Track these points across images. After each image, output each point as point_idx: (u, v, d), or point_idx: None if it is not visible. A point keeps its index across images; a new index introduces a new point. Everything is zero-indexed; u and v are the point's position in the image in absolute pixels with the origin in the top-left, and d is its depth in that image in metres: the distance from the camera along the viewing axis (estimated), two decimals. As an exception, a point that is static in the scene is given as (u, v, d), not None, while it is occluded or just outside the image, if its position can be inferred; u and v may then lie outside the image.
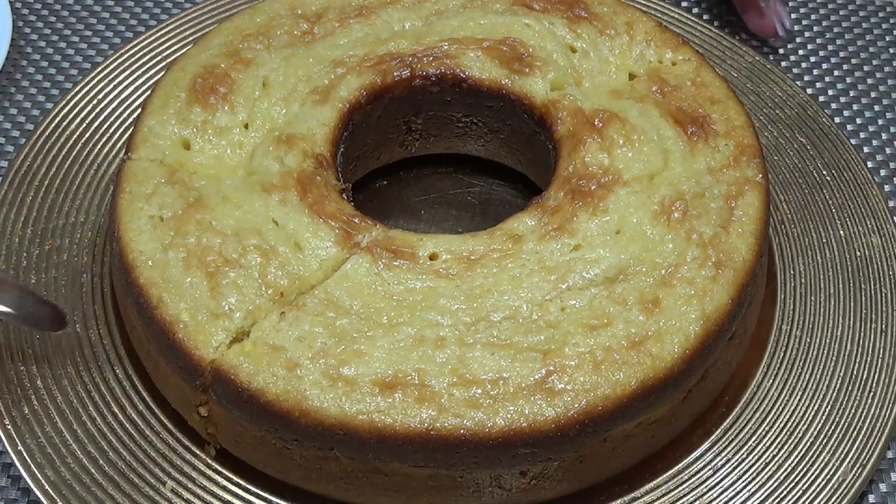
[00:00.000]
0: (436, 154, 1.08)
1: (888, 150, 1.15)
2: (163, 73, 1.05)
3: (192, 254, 0.85)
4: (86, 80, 1.10)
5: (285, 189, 0.88)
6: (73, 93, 1.09)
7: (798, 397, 0.91)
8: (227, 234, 0.86)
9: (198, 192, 0.89)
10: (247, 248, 0.85)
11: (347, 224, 0.87)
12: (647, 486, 0.87)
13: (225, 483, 0.86)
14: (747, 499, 0.86)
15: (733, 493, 0.86)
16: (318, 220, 0.87)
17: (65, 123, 1.07)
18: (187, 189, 0.89)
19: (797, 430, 0.89)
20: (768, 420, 0.90)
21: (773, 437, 0.89)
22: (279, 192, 0.88)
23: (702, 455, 0.89)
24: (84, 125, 1.07)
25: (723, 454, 0.89)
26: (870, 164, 1.13)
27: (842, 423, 0.90)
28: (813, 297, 0.98)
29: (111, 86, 1.10)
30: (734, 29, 1.26)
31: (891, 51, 1.24)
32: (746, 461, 0.88)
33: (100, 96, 1.09)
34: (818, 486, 0.86)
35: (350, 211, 0.88)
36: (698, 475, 0.88)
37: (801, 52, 1.24)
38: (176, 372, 0.84)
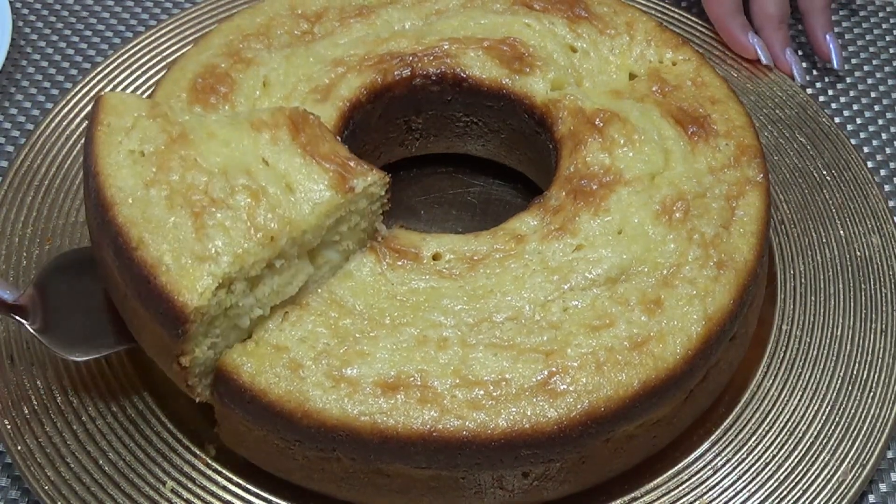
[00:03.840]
0: (436, 154, 1.08)
1: (888, 150, 1.15)
2: (163, 73, 1.05)
3: (176, 192, 0.80)
4: (86, 80, 1.10)
5: (276, 127, 0.84)
6: (73, 93, 1.09)
7: (798, 397, 0.91)
8: (213, 172, 0.81)
9: (181, 126, 0.84)
10: (235, 187, 0.80)
11: (343, 167, 0.83)
12: (648, 486, 0.87)
13: (225, 483, 0.86)
14: (747, 499, 0.86)
15: (733, 493, 0.86)
16: (311, 162, 0.83)
17: (65, 123, 1.07)
18: (170, 123, 0.84)
19: (797, 430, 0.89)
20: (768, 420, 0.90)
21: (773, 437, 0.89)
22: (269, 131, 0.84)
23: (702, 455, 0.89)
24: (84, 125, 1.06)
25: (723, 454, 0.89)
26: (870, 164, 1.13)
27: (842, 423, 0.90)
28: (813, 297, 0.98)
29: (111, 86, 1.10)
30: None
31: (891, 51, 1.24)
32: (746, 461, 0.88)
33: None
34: (818, 486, 0.86)
35: (345, 153, 0.84)
36: (698, 475, 0.88)
37: (800, 52, 1.24)
38: (155, 319, 0.79)
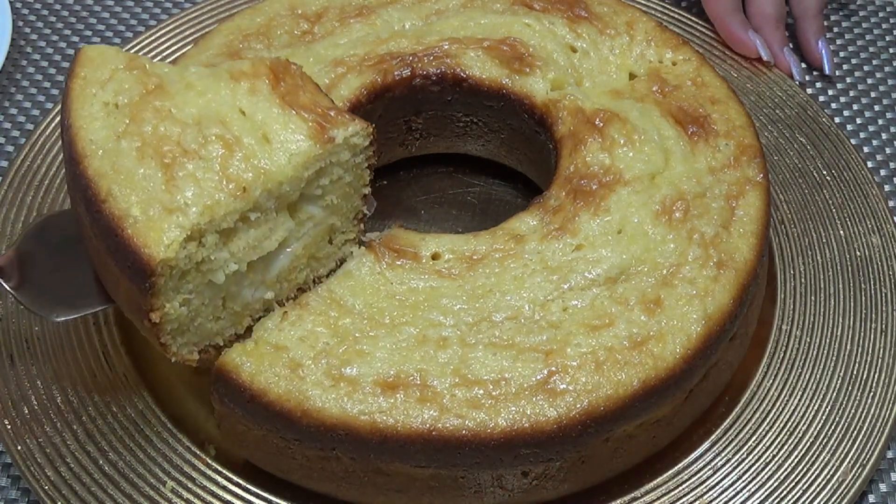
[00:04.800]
0: (436, 154, 1.08)
1: (888, 150, 1.15)
2: (163, 72, 1.04)
3: (148, 143, 0.77)
4: (85, 80, 1.10)
5: (255, 77, 0.82)
6: (72, 92, 1.09)
7: (798, 397, 0.91)
8: (187, 123, 0.79)
9: (159, 78, 0.82)
10: (208, 137, 0.78)
11: (322, 117, 0.81)
12: (648, 486, 0.87)
13: (225, 483, 0.86)
14: (747, 499, 0.86)
15: (733, 493, 0.86)
16: (289, 112, 0.80)
17: (65, 123, 1.07)
18: (147, 75, 0.82)
19: (797, 430, 0.89)
20: (768, 420, 0.90)
21: (773, 437, 0.89)
22: (249, 80, 0.82)
23: (702, 455, 0.89)
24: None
25: (723, 454, 0.89)
26: (870, 164, 1.13)
27: (842, 423, 0.90)
28: (813, 297, 0.98)
29: (111, 85, 1.10)
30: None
31: (890, 51, 1.24)
32: (746, 461, 0.88)
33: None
34: (818, 486, 0.86)
35: (326, 104, 0.82)
36: (698, 475, 0.88)
37: (801, 51, 1.24)
38: (125, 273, 0.77)
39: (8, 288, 0.84)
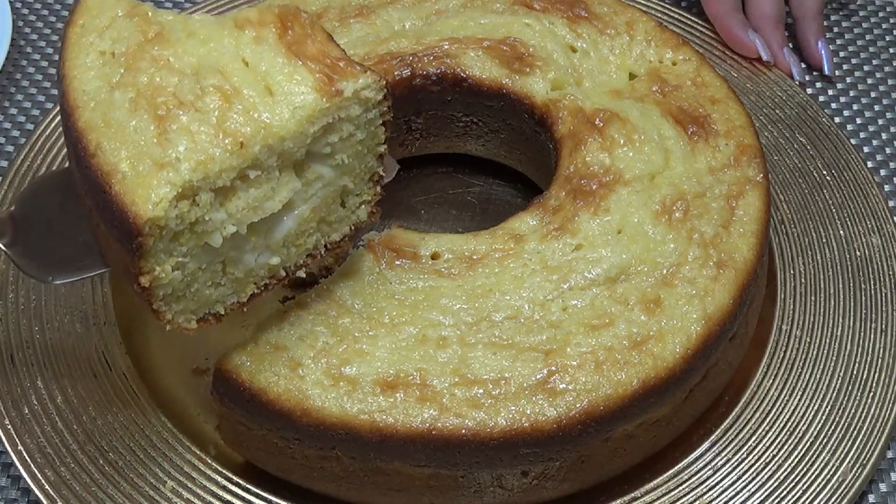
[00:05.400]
0: (436, 154, 1.08)
1: (888, 150, 1.15)
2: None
3: (142, 94, 0.72)
4: (85, 80, 1.10)
5: (262, 25, 0.76)
6: (72, 92, 1.09)
7: (798, 397, 0.91)
8: (185, 73, 0.73)
9: (160, 26, 0.76)
10: (205, 88, 0.72)
11: (331, 68, 0.74)
12: (648, 486, 0.87)
13: (225, 483, 0.86)
14: (747, 499, 0.86)
15: (733, 493, 0.86)
16: (295, 62, 0.74)
17: (65, 123, 1.06)
18: (147, 23, 0.76)
19: (797, 430, 0.89)
20: (768, 420, 0.90)
21: (773, 437, 0.89)
22: (254, 29, 0.76)
23: (702, 455, 0.89)
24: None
25: (723, 454, 0.89)
26: (870, 164, 1.13)
27: (842, 423, 0.90)
28: (813, 297, 0.98)
29: (111, 85, 1.10)
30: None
31: (891, 51, 1.24)
32: (746, 461, 0.88)
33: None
34: (818, 486, 0.86)
35: (336, 54, 0.76)
36: (698, 475, 0.88)
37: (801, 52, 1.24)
38: (112, 233, 0.72)
39: (5, 249, 0.81)
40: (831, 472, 0.87)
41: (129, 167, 0.69)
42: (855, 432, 0.89)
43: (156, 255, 0.71)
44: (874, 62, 1.23)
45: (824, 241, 1.01)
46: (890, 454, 0.93)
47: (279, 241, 0.79)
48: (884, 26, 1.27)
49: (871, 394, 0.91)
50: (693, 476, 0.88)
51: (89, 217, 0.77)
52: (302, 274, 0.82)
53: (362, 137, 0.78)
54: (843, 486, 0.86)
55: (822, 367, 0.93)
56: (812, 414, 0.90)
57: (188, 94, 0.72)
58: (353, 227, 0.83)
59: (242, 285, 0.79)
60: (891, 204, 1.09)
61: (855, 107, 1.19)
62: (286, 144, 0.73)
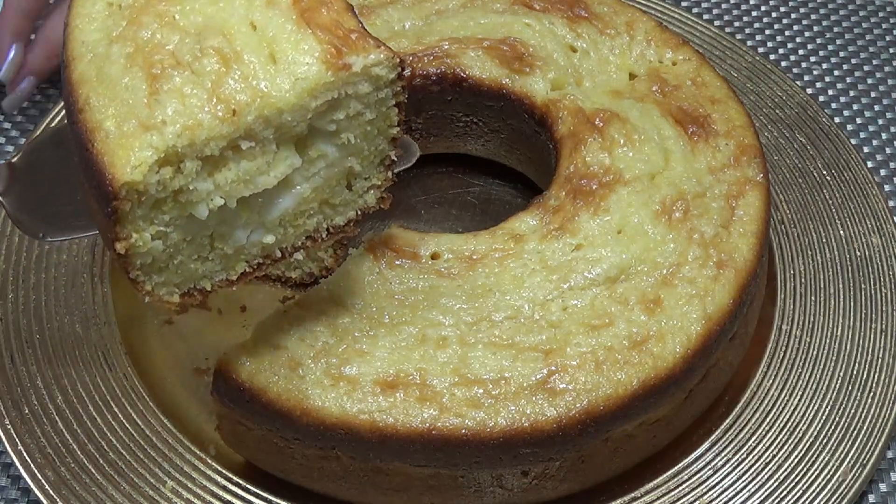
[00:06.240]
0: (436, 154, 1.08)
1: (888, 150, 1.15)
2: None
3: (140, 50, 0.68)
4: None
5: None
6: (72, 92, 1.08)
7: (798, 397, 0.91)
8: (188, 31, 0.69)
9: None
10: (206, 50, 0.67)
11: (341, 40, 0.69)
12: (648, 486, 0.87)
13: (225, 483, 0.86)
14: (747, 499, 0.86)
15: (733, 493, 0.86)
16: (304, 29, 0.69)
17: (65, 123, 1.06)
18: None
19: (797, 430, 0.89)
20: (768, 420, 0.90)
21: (773, 437, 0.89)
22: None
23: (702, 455, 0.89)
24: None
25: (723, 454, 0.89)
26: (870, 164, 1.13)
27: (842, 423, 0.90)
28: (813, 297, 0.98)
29: (111, 85, 1.09)
30: (734, 29, 1.26)
31: (891, 51, 1.24)
32: (746, 461, 0.88)
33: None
34: (818, 486, 0.86)
35: (352, 25, 0.70)
36: (698, 475, 0.88)
37: (801, 52, 1.24)
38: (92, 194, 0.68)
39: None
40: (831, 472, 0.87)
41: (114, 126, 0.65)
42: (855, 432, 0.89)
43: (133, 221, 0.67)
44: (874, 62, 1.23)
45: (824, 241, 1.01)
46: (890, 454, 0.93)
47: (275, 220, 0.74)
48: (884, 26, 1.27)
49: (871, 394, 0.91)
50: (693, 476, 0.88)
51: (77, 174, 0.72)
52: (300, 256, 0.77)
53: (372, 117, 0.73)
54: (843, 486, 0.86)
55: (822, 367, 0.93)
56: (812, 414, 0.90)
57: (186, 54, 0.68)
58: (359, 213, 0.78)
59: (232, 262, 0.75)
60: (891, 204, 1.09)
61: (855, 107, 1.19)
62: (284, 117, 0.68)
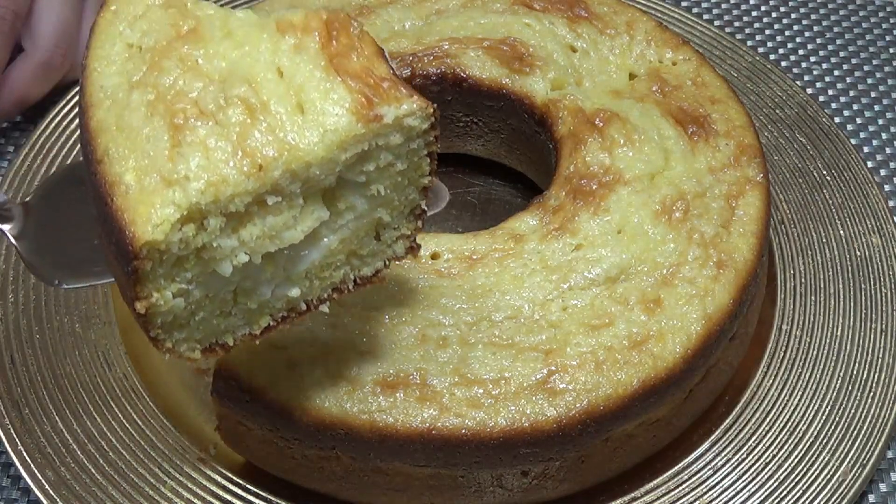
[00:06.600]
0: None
1: (888, 150, 1.15)
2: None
3: (161, 98, 0.65)
4: (85, 80, 1.10)
5: (305, 32, 0.67)
6: (73, 93, 1.09)
7: (798, 397, 0.91)
8: (212, 78, 0.66)
9: (196, 21, 0.68)
10: (231, 99, 0.64)
11: (373, 89, 0.65)
12: (648, 486, 0.87)
13: (225, 483, 0.86)
14: (747, 499, 0.86)
15: (733, 493, 0.86)
16: (334, 78, 0.65)
17: (65, 123, 1.06)
18: (184, 16, 0.68)
19: (797, 430, 0.89)
20: (768, 420, 0.90)
21: (773, 437, 0.89)
22: (296, 35, 0.67)
23: (702, 455, 0.89)
24: (84, 125, 1.06)
25: (723, 454, 0.89)
26: (870, 164, 1.13)
27: (842, 423, 0.90)
28: (813, 297, 0.98)
29: (111, 85, 1.09)
30: (734, 29, 1.26)
31: (891, 51, 1.24)
32: (746, 461, 0.88)
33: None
34: (818, 486, 0.86)
35: (383, 73, 0.66)
36: (698, 475, 0.88)
37: (801, 52, 1.24)
38: (111, 251, 0.65)
39: (10, 237, 0.75)
40: (831, 472, 0.87)
41: (134, 179, 0.62)
42: (855, 432, 0.89)
43: (155, 280, 0.64)
44: (874, 62, 1.23)
45: (824, 241, 1.01)
46: (890, 454, 0.93)
47: (301, 273, 0.71)
48: (884, 26, 1.27)
49: (871, 394, 0.91)
50: (693, 476, 0.88)
51: (95, 224, 0.69)
52: (325, 309, 0.73)
53: (403, 168, 0.70)
54: (843, 486, 0.86)
55: (822, 367, 0.93)
56: (812, 414, 0.90)
57: (210, 103, 0.64)
58: (387, 262, 0.75)
59: (256, 316, 0.71)
60: (891, 204, 1.09)
61: (855, 107, 1.19)
62: (312, 171, 0.65)
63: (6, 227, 0.75)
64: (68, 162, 1.04)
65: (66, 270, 0.76)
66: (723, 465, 0.88)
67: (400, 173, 0.70)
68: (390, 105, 0.65)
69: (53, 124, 1.06)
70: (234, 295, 0.69)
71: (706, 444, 0.89)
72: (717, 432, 0.90)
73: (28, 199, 0.79)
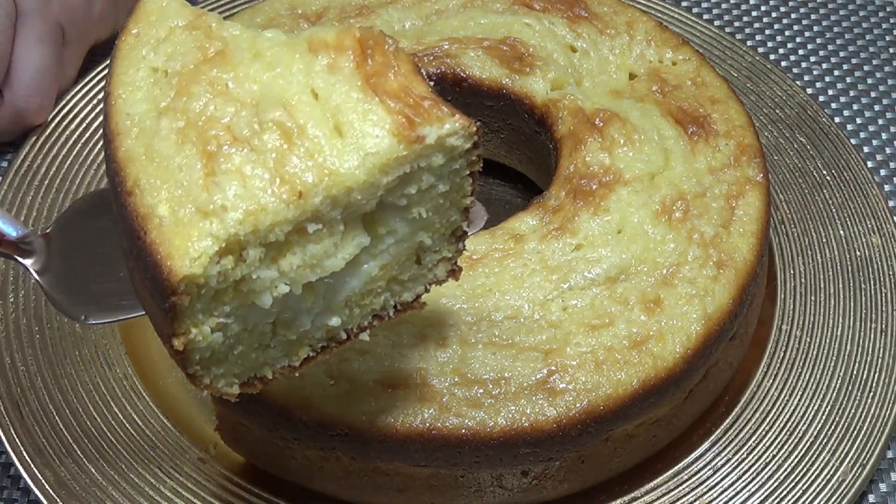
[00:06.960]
0: (436, 154, 1.08)
1: (888, 150, 1.15)
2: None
3: (192, 124, 0.62)
4: (86, 80, 1.10)
5: (339, 50, 0.64)
6: (72, 93, 1.09)
7: (798, 397, 0.91)
8: (245, 102, 0.63)
9: (223, 43, 0.66)
10: (265, 123, 0.62)
11: (413, 108, 0.62)
12: (648, 486, 0.87)
13: (225, 483, 0.86)
14: (747, 499, 0.86)
15: (733, 493, 0.86)
16: (371, 98, 0.63)
17: (65, 123, 1.07)
18: (210, 38, 0.66)
19: (797, 430, 0.89)
20: (768, 420, 0.90)
21: (773, 437, 0.89)
22: (329, 54, 0.64)
23: (702, 455, 0.89)
24: (84, 125, 1.07)
25: (723, 454, 0.89)
26: (870, 164, 1.13)
27: (842, 423, 0.90)
28: (813, 297, 0.98)
29: (111, 85, 1.09)
30: (734, 29, 1.26)
31: (891, 51, 1.24)
32: (746, 461, 0.88)
33: (100, 96, 1.09)
34: (818, 486, 0.86)
35: (422, 91, 0.63)
36: (698, 475, 0.88)
37: (801, 52, 1.24)
38: (145, 286, 0.63)
39: (34, 273, 0.73)
40: (831, 472, 0.87)
41: (168, 211, 0.60)
42: (855, 432, 0.89)
43: (193, 315, 0.61)
44: (874, 62, 1.23)
45: (824, 241, 1.01)
46: (890, 454, 0.93)
47: (341, 302, 0.68)
48: (884, 26, 1.27)
49: (871, 394, 0.91)
50: (693, 476, 0.88)
51: (125, 258, 0.67)
52: (366, 337, 0.71)
53: (445, 190, 0.67)
54: (843, 486, 0.86)
55: (822, 367, 0.93)
56: (812, 414, 0.90)
57: (245, 128, 0.62)
58: (428, 287, 0.72)
59: (295, 348, 0.69)
60: (891, 204, 1.09)
61: (855, 107, 1.19)
62: (353, 196, 0.62)
63: (28, 263, 0.73)
64: (66, 164, 1.04)
65: (91, 305, 0.74)
66: (723, 465, 0.88)
67: (442, 195, 0.67)
68: (432, 125, 0.62)
69: (53, 124, 1.06)
70: (274, 327, 0.67)
71: (706, 444, 0.89)
72: (717, 432, 0.90)
73: (49, 230, 0.77)
